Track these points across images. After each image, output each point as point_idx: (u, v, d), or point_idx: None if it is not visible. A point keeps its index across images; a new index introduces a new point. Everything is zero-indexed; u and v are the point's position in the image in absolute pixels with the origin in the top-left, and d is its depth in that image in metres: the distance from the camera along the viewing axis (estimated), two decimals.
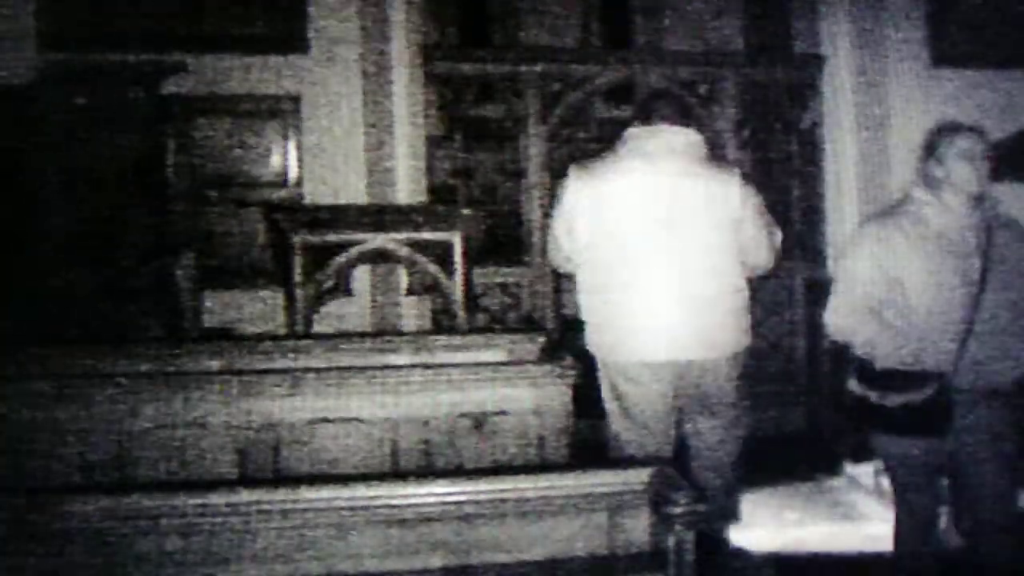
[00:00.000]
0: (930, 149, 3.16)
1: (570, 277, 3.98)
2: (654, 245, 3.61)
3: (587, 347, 3.77)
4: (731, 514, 3.90)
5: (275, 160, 5.46)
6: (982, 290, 3.07)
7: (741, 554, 3.96)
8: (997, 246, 3.10)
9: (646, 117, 3.77)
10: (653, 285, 3.60)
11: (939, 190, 3.12)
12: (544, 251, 3.96)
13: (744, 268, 3.75)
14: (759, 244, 3.76)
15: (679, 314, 3.60)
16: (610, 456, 3.77)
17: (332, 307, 4.97)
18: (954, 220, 3.13)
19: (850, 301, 3.19)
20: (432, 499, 2.06)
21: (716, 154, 4.15)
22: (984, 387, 3.10)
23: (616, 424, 3.76)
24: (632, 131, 3.76)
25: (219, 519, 1.98)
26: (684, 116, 3.83)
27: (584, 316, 3.79)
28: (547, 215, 6.02)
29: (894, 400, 3.09)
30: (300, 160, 5.47)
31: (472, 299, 5.09)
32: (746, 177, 3.83)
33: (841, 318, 3.22)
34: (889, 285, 3.11)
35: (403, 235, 4.84)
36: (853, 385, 3.21)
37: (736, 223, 3.68)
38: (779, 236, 3.89)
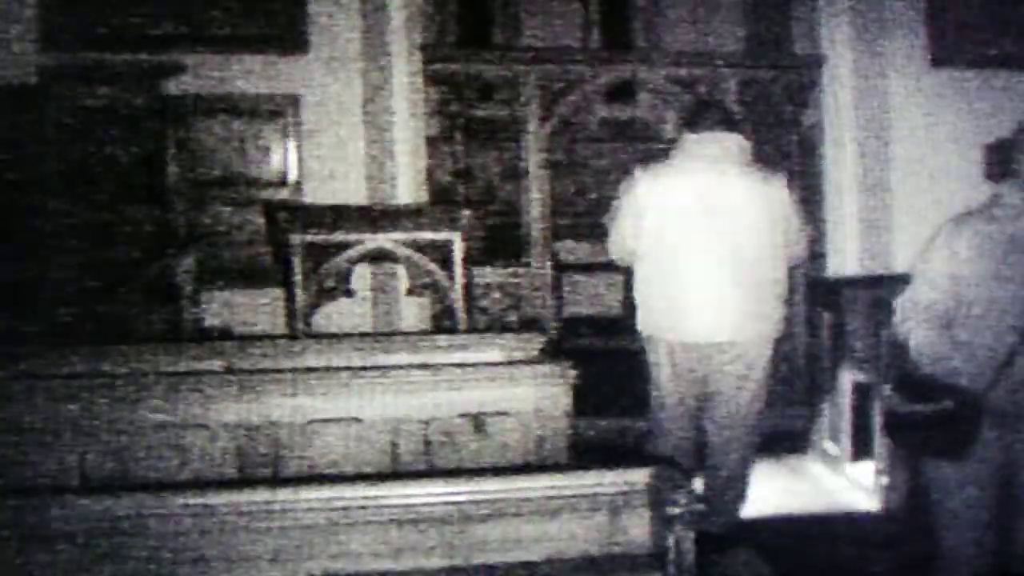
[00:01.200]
0: (1017, 142, 2.93)
1: (572, 276, 4.08)
2: (709, 237, 4.00)
3: (640, 328, 4.19)
4: (742, 495, 4.20)
5: (275, 160, 5.46)
6: None
7: (744, 540, 4.10)
8: None
9: (697, 125, 4.14)
10: (708, 273, 3.99)
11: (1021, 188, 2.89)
12: (609, 244, 4.31)
13: (785, 260, 4.15)
14: (799, 239, 4.21)
15: (730, 300, 4.01)
16: (650, 416, 4.23)
17: (332, 307, 4.97)
18: None
19: (913, 301, 3.01)
20: (432, 499, 2.06)
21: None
22: None
23: (659, 399, 4.17)
24: (690, 137, 4.13)
25: (219, 519, 1.98)
26: (730, 124, 4.22)
27: (639, 300, 4.20)
28: (547, 215, 6.11)
29: (908, 409, 2.92)
30: (300, 160, 5.47)
31: (472, 299, 5.09)
32: (790, 180, 4.31)
33: (903, 318, 3.05)
34: (949, 288, 2.91)
35: (403, 235, 4.84)
36: (887, 392, 3.08)
37: (781, 219, 4.09)
38: (809, 231, 4.40)
